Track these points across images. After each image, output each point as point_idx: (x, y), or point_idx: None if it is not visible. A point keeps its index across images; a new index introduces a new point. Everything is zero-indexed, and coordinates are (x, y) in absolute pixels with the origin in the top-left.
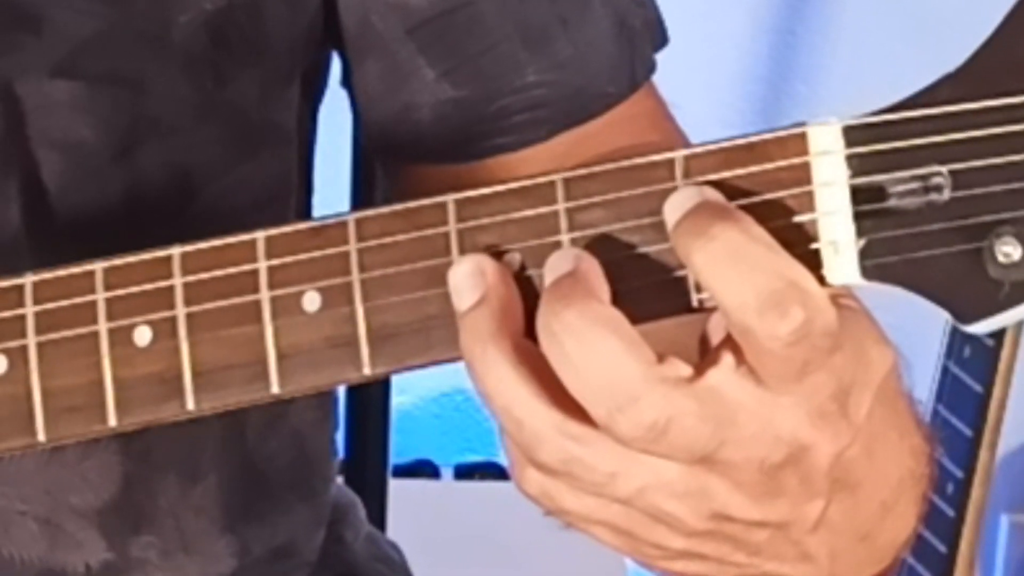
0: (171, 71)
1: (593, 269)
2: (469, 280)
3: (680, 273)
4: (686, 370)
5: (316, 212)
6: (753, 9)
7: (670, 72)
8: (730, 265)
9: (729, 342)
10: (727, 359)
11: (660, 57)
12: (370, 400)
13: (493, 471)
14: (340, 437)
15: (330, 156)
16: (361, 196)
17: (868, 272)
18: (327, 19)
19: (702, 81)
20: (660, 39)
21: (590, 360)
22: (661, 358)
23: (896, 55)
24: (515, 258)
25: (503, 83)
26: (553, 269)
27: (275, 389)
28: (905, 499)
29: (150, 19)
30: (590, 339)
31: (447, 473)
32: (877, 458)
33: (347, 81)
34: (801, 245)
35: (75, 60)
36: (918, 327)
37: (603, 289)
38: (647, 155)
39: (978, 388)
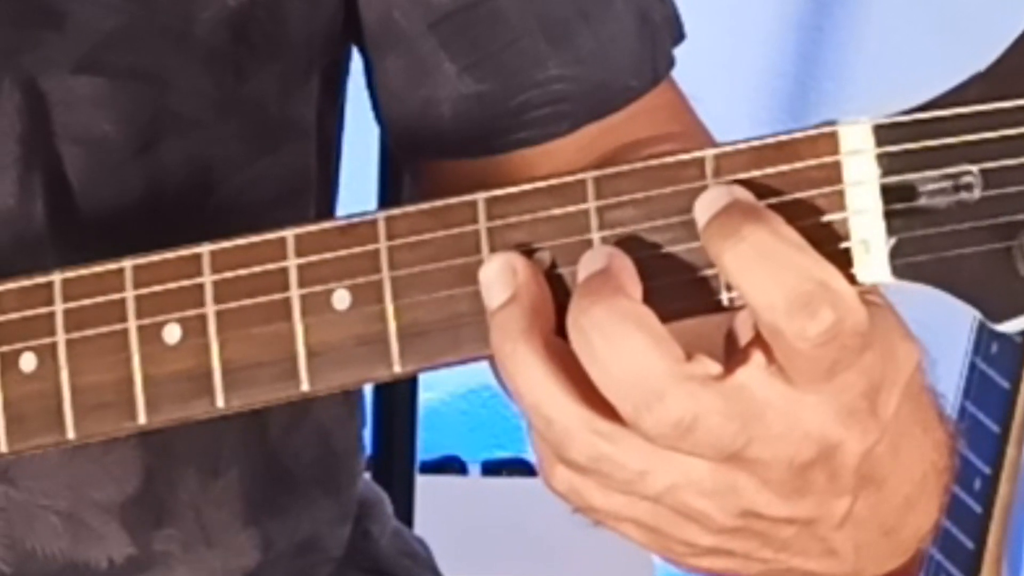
0: (193, 67)
1: (625, 267)
2: (500, 277)
3: (710, 272)
4: (715, 368)
5: (344, 208)
6: (780, 6)
7: (699, 68)
8: (760, 265)
9: (758, 341)
10: (756, 357)
11: (689, 52)
12: (398, 396)
13: (520, 467)
14: (367, 433)
15: (358, 152)
16: (389, 192)
17: (898, 271)
18: (348, 15)
19: (730, 77)
20: (678, 34)
21: (617, 356)
22: (689, 356)
23: (923, 51)
24: (545, 256)
25: (525, 77)
26: (586, 266)
27: (305, 387)
28: (928, 493)
29: (172, 15)
30: (617, 335)
31: (474, 469)
32: (902, 454)
33: (368, 80)
34: (832, 244)
35: (98, 55)
36: (945, 323)
37: (634, 287)
38: (677, 154)
39: (1005, 384)
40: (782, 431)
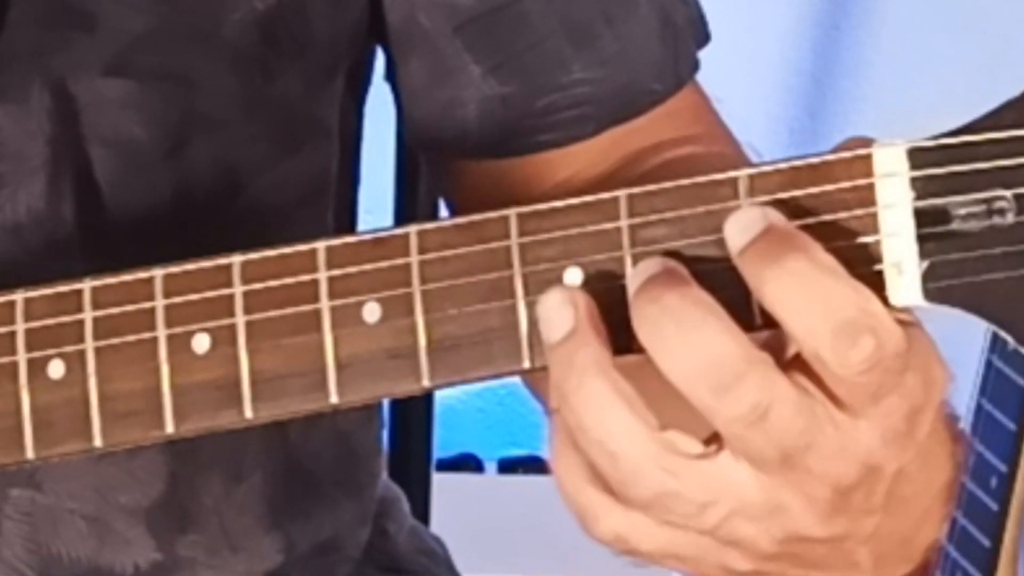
0: (220, 68)
1: (683, 269)
2: (559, 312)
3: (743, 291)
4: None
5: (360, 207)
6: (797, 4)
7: (715, 66)
8: (800, 296)
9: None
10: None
11: (707, 50)
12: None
13: (537, 465)
14: (384, 431)
15: (375, 151)
16: (405, 192)
17: (931, 294)
18: (372, 16)
19: (746, 75)
20: (703, 37)
21: (692, 341)
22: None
23: (939, 50)
24: (577, 273)
25: (549, 80)
26: (642, 271)
27: (333, 399)
28: (941, 504)
29: (201, 16)
30: (692, 320)
31: (491, 467)
32: (928, 471)
33: (391, 77)
34: (864, 266)
35: (127, 57)
36: (962, 320)
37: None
38: (711, 172)
39: (1022, 382)
40: (836, 449)
